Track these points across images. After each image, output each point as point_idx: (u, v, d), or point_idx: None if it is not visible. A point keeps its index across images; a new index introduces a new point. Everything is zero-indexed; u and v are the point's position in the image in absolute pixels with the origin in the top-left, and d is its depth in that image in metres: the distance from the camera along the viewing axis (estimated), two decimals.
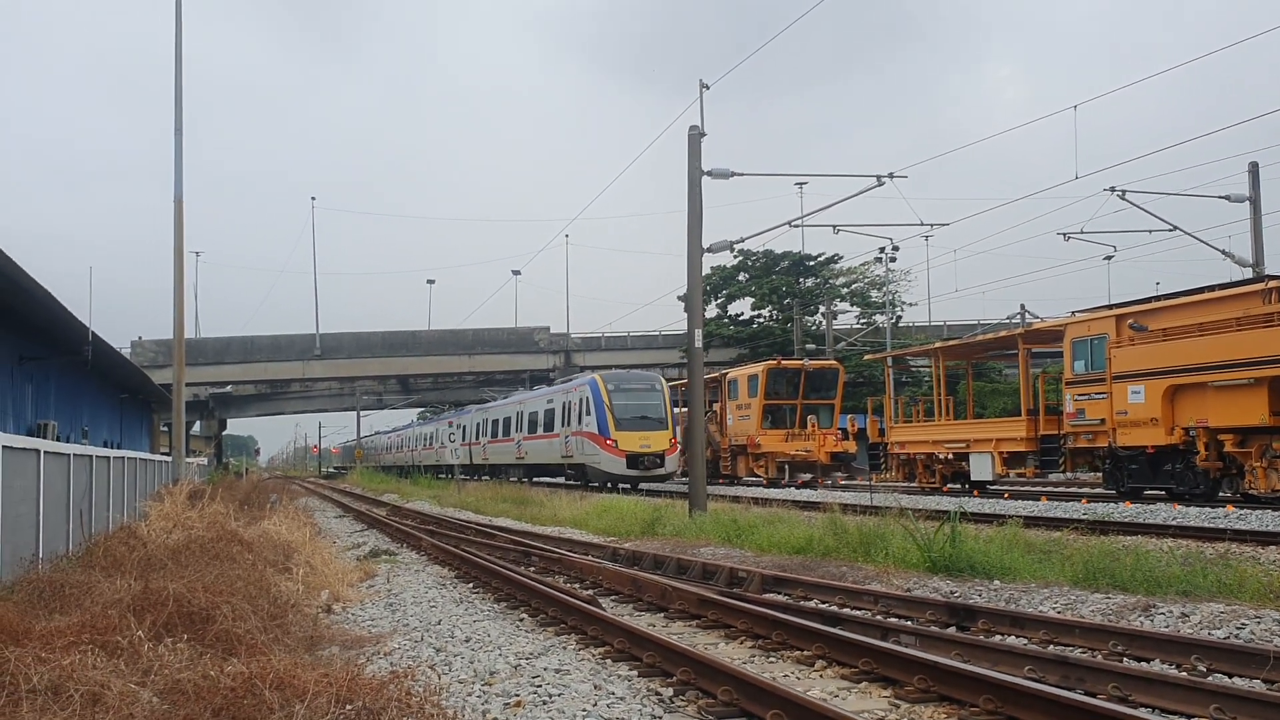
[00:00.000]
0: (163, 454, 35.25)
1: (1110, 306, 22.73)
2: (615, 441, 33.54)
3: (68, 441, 23.22)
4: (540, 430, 40.05)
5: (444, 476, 51.00)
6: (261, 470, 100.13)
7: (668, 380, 38.92)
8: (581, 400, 35.43)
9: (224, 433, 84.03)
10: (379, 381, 76.97)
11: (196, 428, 74.27)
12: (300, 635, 8.06)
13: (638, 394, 34.84)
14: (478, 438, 49.67)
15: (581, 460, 35.40)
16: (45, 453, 11.83)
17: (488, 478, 45.39)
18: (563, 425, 37.29)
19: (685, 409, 26.75)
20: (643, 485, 34.54)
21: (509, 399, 47.51)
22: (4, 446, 9.96)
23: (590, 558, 14.58)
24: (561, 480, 38.05)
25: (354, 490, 50.45)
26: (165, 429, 53.61)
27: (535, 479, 41.70)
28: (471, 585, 12.82)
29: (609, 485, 34.66)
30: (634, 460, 33.47)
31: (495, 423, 47.08)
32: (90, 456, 14.81)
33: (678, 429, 34.38)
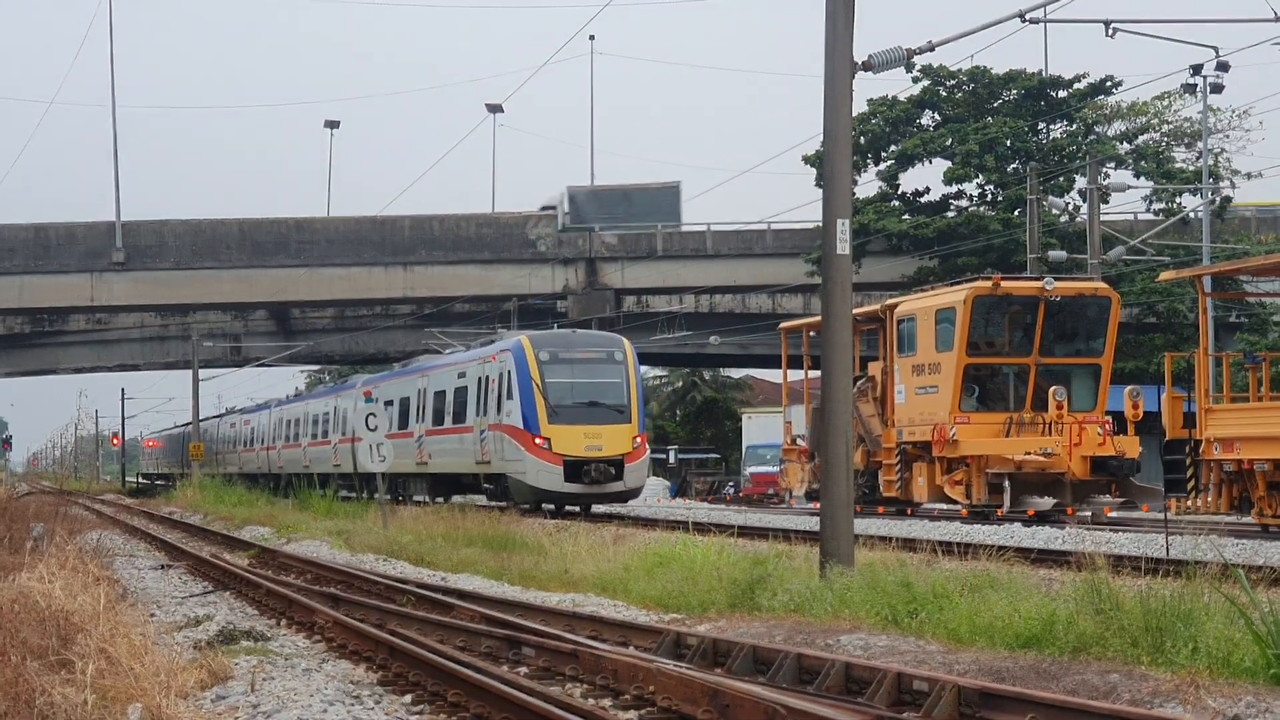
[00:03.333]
0: None
1: None
2: (548, 441, 35.22)
3: None
4: (448, 420, 41.68)
5: (355, 496, 49.99)
6: (15, 477, 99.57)
7: (785, 318, 38.96)
8: (500, 375, 36.97)
9: None
10: (235, 315, 73.81)
11: None
12: None
13: (584, 366, 36.78)
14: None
15: (501, 469, 37.11)
16: None
17: (387, 498, 45.22)
18: (477, 414, 38.72)
19: (818, 372, 23.52)
20: (593, 511, 36.15)
21: (407, 369, 49.51)
22: None
23: (633, 651, 14.27)
24: (552, 506, 38.16)
25: (188, 519, 50.32)
26: None
27: (450, 496, 42.67)
28: (410, 699, 12.55)
29: (550, 508, 36.22)
30: (575, 470, 35.02)
31: (389, 406, 47.32)
32: None
33: (645, 420, 36.89)
